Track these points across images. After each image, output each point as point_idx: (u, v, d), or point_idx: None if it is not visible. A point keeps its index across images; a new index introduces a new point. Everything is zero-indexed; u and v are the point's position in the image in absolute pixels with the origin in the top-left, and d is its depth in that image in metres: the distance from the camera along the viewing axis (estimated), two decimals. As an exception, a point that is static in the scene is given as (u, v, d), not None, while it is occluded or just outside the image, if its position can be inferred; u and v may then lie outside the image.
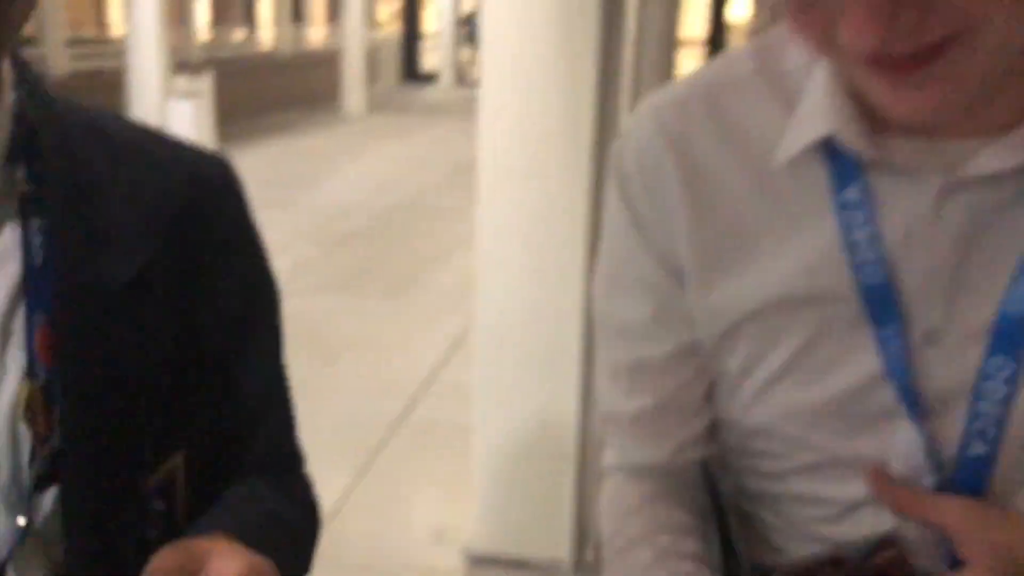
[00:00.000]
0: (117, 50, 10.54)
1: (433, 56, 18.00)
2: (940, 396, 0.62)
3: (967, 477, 0.62)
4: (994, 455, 0.61)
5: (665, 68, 2.17)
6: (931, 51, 0.49)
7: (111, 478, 0.61)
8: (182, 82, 7.92)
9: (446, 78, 16.81)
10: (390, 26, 20.54)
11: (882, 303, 0.61)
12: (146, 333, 0.63)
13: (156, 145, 0.68)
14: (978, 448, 0.61)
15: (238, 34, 14.96)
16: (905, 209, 0.60)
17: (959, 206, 0.59)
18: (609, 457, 0.80)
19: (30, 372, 0.58)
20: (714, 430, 0.74)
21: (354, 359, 4.06)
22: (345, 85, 13.38)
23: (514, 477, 2.62)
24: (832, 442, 0.65)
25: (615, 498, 0.78)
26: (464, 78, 16.63)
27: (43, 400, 0.58)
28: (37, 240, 0.59)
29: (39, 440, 0.58)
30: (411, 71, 18.35)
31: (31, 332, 0.58)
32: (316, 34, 17.26)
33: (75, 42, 9.75)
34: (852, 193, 0.60)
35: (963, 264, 0.60)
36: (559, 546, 2.56)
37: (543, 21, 2.43)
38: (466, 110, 14.15)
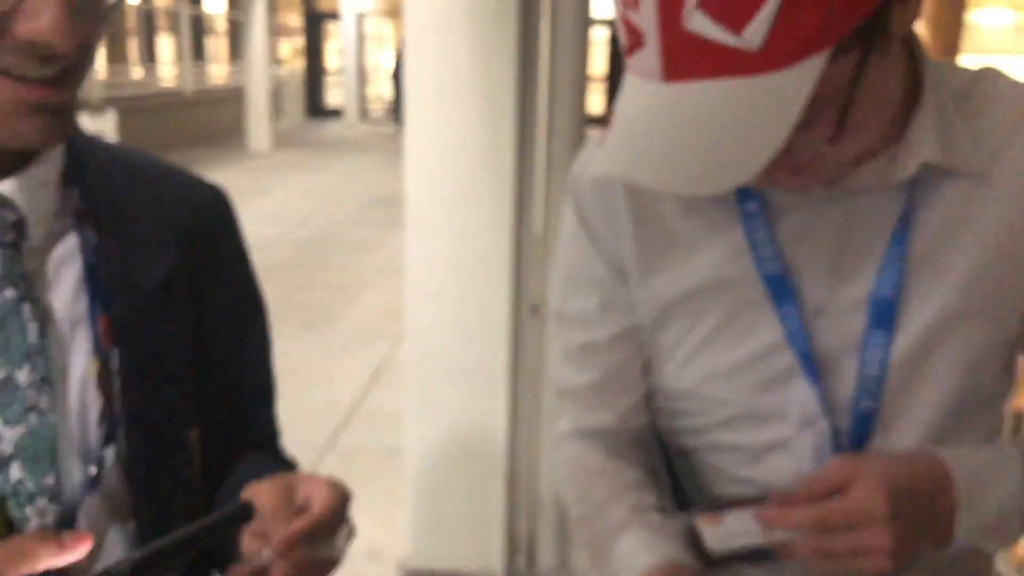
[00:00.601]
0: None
1: (337, 92, 18.06)
2: (830, 358, 0.78)
3: (859, 427, 0.79)
4: (878, 408, 0.78)
5: (578, 102, 2.36)
6: (796, 170, 0.69)
7: (160, 432, 0.74)
8: (85, 120, 7.78)
9: (351, 113, 16.89)
10: (292, 62, 20.50)
11: (779, 286, 0.78)
12: (175, 324, 0.76)
13: (168, 173, 0.81)
14: (866, 402, 0.78)
15: (137, 72, 14.72)
16: (794, 215, 0.78)
17: (836, 211, 0.76)
18: (564, 424, 0.96)
19: (96, 351, 0.70)
20: (650, 398, 0.90)
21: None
22: (250, 122, 13.30)
23: (445, 493, 2.73)
24: (744, 398, 0.82)
25: (578, 463, 0.93)
26: (368, 113, 16.74)
27: (106, 373, 0.71)
28: (91, 248, 0.72)
29: (106, 405, 0.70)
30: (315, 107, 18.36)
31: (95, 320, 0.71)
32: (219, 71, 17.10)
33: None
34: (751, 206, 0.78)
35: (841, 254, 0.77)
36: (491, 556, 2.68)
37: (464, 60, 2.58)
38: (372, 144, 14.24)
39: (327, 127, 16.81)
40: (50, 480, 0.67)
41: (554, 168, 2.79)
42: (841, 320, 0.77)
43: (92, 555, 0.63)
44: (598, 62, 13.51)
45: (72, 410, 0.69)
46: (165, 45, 15.91)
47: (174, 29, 14.47)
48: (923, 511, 0.73)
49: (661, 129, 0.62)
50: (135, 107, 10.77)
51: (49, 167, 0.70)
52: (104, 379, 0.70)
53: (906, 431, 0.78)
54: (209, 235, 0.81)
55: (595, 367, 0.90)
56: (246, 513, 0.62)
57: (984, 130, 0.75)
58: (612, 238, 0.84)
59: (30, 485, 0.66)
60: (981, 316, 0.76)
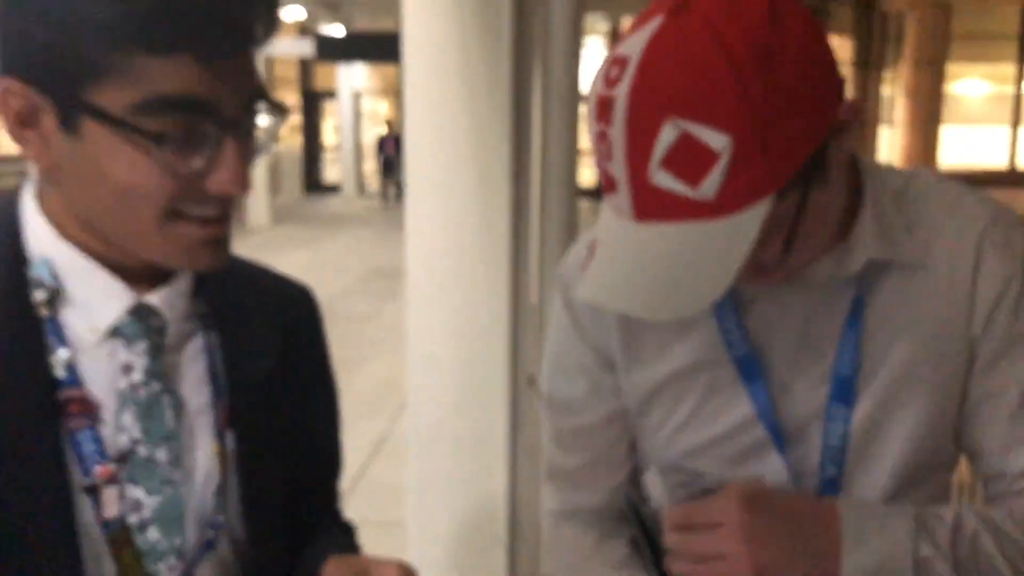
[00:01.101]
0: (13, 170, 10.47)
1: (334, 168, 18.37)
2: (796, 430, 0.87)
3: (824, 492, 0.87)
4: (841, 475, 0.86)
5: (569, 177, 2.48)
6: (760, 272, 0.78)
7: (263, 502, 0.85)
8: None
9: (348, 188, 17.14)
10: (290, 139, 20.88)
11: (748, 366, 0.87)
12: (279, 410, 0.87)
13: (264, 275, 0.93)
14: (830, 470, 0.86)
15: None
16: (760, 304, 0.87)
17: (797, 300, 0.86)
18: (552, 503, 1.03)
19: (217, 434, 0.82)
20: (635, 472, 0.98)
21: (279, 463, 4.13)
22: (249, 197, 13.49)
23: (448, 564, 2.76)
24: (721, 470, 0.90)
25: (569, 545, 1.00)
26: (365, 188, 16.99)
27: (223, 452, 0.82)
28: (213, 346, 0.83)
29: (222, 480, 0.81)
30: (313, 182, 18.65)
31: (216, 408, 0.82)
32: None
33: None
34: (723, 298, 0.85)
35: (802, 336, 0.86)
36: (494, 627, 2.71)
37: (461, 140, 2.71)
38: (368, 218, 14.41)
39: (325, 202, 17.06)
40: (178, 541, 0.78)
41: (547, 240, 2.90)
42: (805, 396, 0.86)
43: None
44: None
45: (197, 484, 0.80)
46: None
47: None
48: (799, 535, 0.80)
49: (633, 262, 0.73)
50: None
51: (186, 280, 0.81)
52: (222, 458, 0.81)
53: (865, 492, 0.87)
54: (303, 331, 0.93)
55: (584, 449, 0.98)
56: None
57: (918, 224, 0.85)
58: (599, 331, 0.93)
59: (163, 546, 0.77)
60: (927, 390, 0.85)
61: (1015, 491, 0.86)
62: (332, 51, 14.94)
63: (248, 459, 0.83)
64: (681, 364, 0.89)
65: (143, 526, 0.76)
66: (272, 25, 0.72)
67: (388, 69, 19.67)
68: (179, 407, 0.80)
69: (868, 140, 21.48)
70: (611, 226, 0.75)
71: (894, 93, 19.82)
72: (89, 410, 0.75)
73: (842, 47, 18.74)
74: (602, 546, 0.97)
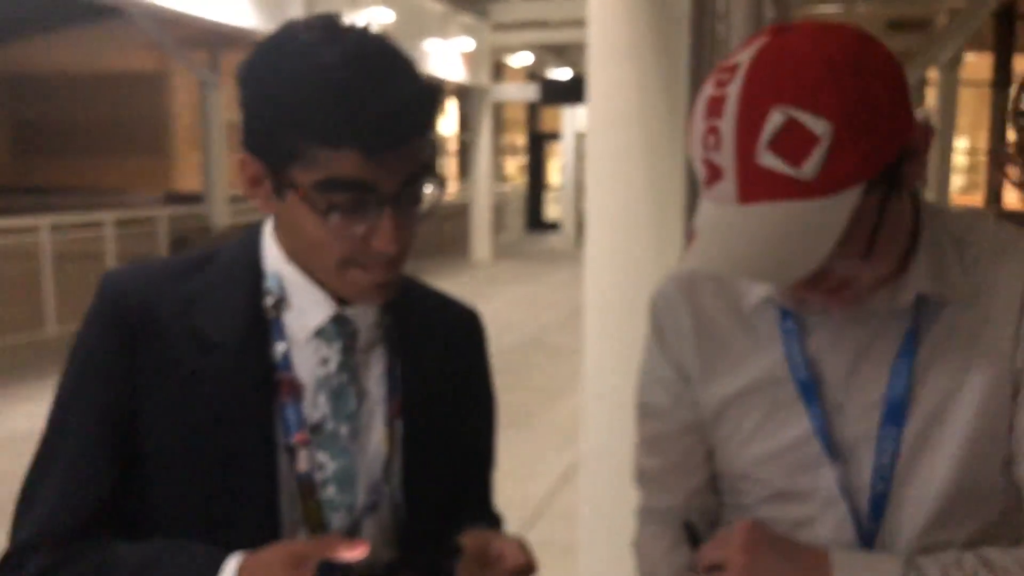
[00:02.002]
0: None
1: (556, 207, 18.87)
2: (848, 448, 0.94)
3: (875, 507, 0.94)
4: (890, 490, 0.93)
5: None
6: (833, 291, 0.88)
7: (421, 480, 1.01)
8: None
9: (568, 227, 17.54)
10: (517, 179, 21.70)
11: (808, 388, 0.95)
12: (443, 409, 1.04)
13: (437, 299, 1.10)
14: (880, 486, 0.93)
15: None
16: (821, 331, 0.95)
17: (854, 330, 0.94)
18: (640, 500, 1.13)
19: (388, 422, 0.99)
20: (714, 480, 1.07)
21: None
22: (474, 234, 14.24)
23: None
24: (781, 480, 0.98)
25: (651, 541, 1.11)
26: (584, 226, 17.29)
27: (392, 436, 0.99)
28: (392, 352, 1.01)
29: (388, 457, 0.99)
30: (535, 220, 19.26)
31: (390, 400, 1.00)
32: (449, 188, 18.48)
33: (234, 199, 10.93)
34: (789, 324, 0.96)
35: (857, 361, 0.93)
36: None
37: (638, 187, 2.83)
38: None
39: (545, 239, 17.55)
40: (349, 499, 0.97)
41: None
42: (858, 417, 0.94)
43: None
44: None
45: (369, 456, 0.98)
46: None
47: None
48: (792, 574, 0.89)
49: (737, 238, 0.81)
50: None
51: None
52: (390, 440, 0.99)
53: (914, 511, 0.93)
54: (466, 346, 1.11)
55: (664, 454, 1.08)
56: (457, 552, 0.88)
57: (973, 266, 0.91)
58: (679, 348, 1.04)
59: (338, 501, 0.96)
60: (974, 417, 0.90)
61: None
62: (555, 94, 15.47)
63: (412, 444, 1.00)
64: (750, 381, 0.99)
65: (324, 483, 0.95)
66: (429, 125, 0.89)
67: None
68: (362, 395, 0.98)
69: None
70: (712, 213, 0.84)
71: None
72: (295, 390, 0.95)
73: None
74: (671, 552, 1.07)
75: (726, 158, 0.80)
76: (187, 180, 16.74)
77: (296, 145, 0.85)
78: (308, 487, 0.94)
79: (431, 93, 0.88)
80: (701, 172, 0.84)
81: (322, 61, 0.83)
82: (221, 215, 10.02)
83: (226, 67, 10.43)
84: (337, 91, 0.83)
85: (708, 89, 0.83)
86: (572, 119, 18.08)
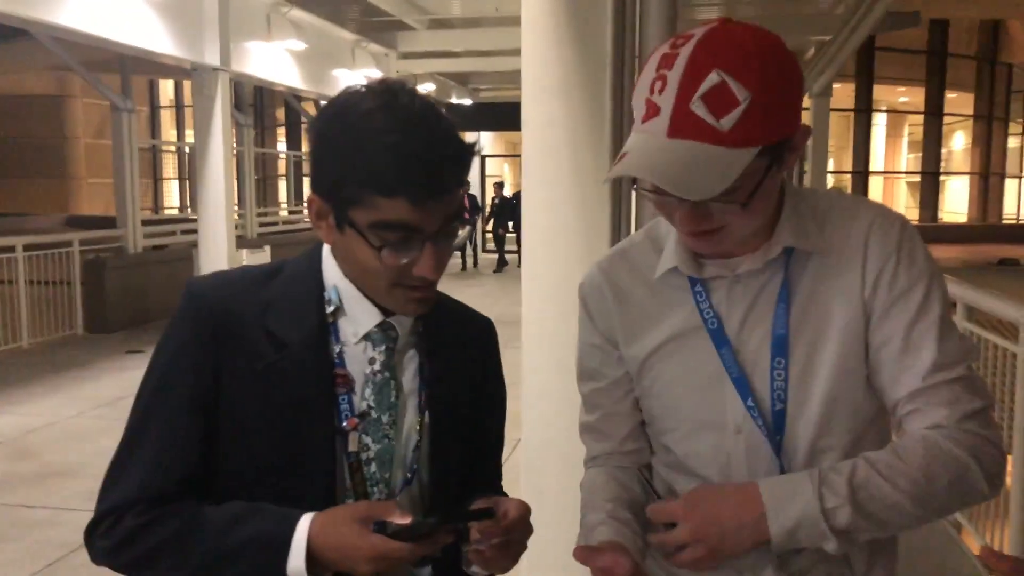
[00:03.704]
0: (181, 228, 11.58)
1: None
2: (752, 377, 1.13)
3: (776, 422, 1.13)
4: (786, 409, 1.13)
5: None
6: (711, 232, 1.08)
7: (446, 460, 1.17)
8: (245, 255, 8.88)
9: (470, 246, 17.73)
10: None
11: (717, 334, 1.15)
12: (463, 401, 1.19)
13: (461, 309, 1.26)
14: (778, 405, 1.13)
15: (284, 213, 16.02)
16: (719, 291, 1.16)
17: (742, 285, 1.14)
18: (586, 454, 1.32)
19: (419, 411, 1.15)
20: (642, 427, 1.27)
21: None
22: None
23: None
24: (701, 413, 1.18)
25: (587, 483, 1.28)
26: (486, 246, 17.63)
27: (422, 424, 1.15)
28: (423, 354, 1.16)
29: (419, 440, 1.14)
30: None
31: (420, 394, 1.15)
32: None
33: (147, 222, 10.84)
34: (697, 287, 1.17)
35: (748, 310, 1.14)
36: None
37: (568, 203, 3.14)
38: (489, 274, 14.88)
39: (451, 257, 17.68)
40: (387, 476, 1.12)
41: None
42: (754, 353, 1.14)
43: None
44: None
45: (403, 440, 1.13)
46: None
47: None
48: (729, 514, 1.06)
49: (660, 159, 1.01)
50: (284, 241, 12.07)
51: None
52: (422, 427, 1.14)
53: (805, 423, 1.13)
54: (484, 349, 1.27)
55: (600, 407, 1.28)
56: (490, 514, 1.04)
57: (825, 224, 1.14)
58: (605, 319, 1.24)
59: (378, 477, 1.11)
60: (840, 342, 1.12)
61: (905, 415, 1.10)
62: (459, 121, 15.74)
63: (436, 431, 1.15)
64: (666, 337, 1.19)
65: (368, 462, 1.11)
66: (464, 177, 1.05)
67: (510, 134, 20.44)
68: (399, 390, 1.13)
69: (994, 191, 20.76)
70: (642, 140, 1.03)
71: (1021, 145, 19.20)
72: (348, 383, 1.10)
73: (962, 101, 18.37)
74: (606, 485, 1.25)
75: (666, 101, 1.01)
76: (89, 204, 16.35)
77: (356, 193, 1.01)
78: (355, 464, 1.09)
79: (466, 152, 1.05)
80: (641, 110, 1.04)
81: (379, 126, 1.00)
82: (135, 238, 9.95)
83: (137, 91, 10.36)
84: (391, 151, 0.99)
85: (664, 48, 1.04)
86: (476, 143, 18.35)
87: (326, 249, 1.14)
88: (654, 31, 2.75)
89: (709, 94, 0.99)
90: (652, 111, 1.03)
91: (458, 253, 15.76)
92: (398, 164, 0.98)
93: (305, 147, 22.55)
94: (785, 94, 1.03)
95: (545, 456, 3.11)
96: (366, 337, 1.12)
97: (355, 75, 12.48)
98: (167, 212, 21.84)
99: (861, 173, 21.25)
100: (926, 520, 1.09)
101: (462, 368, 1.20)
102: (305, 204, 1.15)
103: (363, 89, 1.05)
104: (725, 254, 1.14)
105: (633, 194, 2.97)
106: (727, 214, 1.06)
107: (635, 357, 1.23)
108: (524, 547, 1.10)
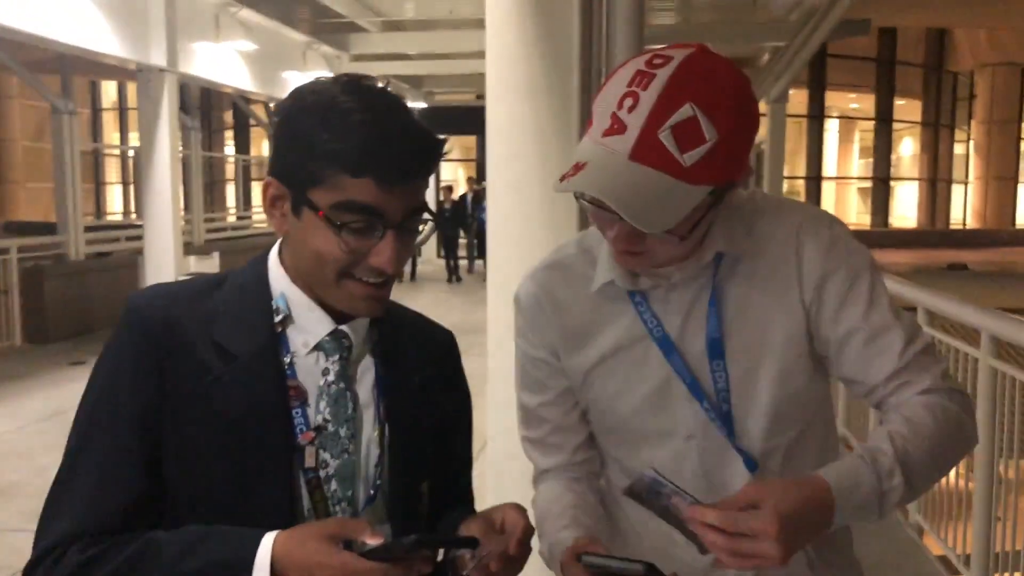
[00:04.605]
0: (126, 235, 11.30)
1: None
2: (698, 380, 1.14)
3: (726, 423, 1.14)
4: (731, 409, 1.15)
5: None
6: (639, 253, 1.08)
7: (407, 475, 1.11)
8: (192, 262, 8.64)
9: (428, 250, 17.65)
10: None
11: (665, 341, 1.15)
12: (423, 414, 1.14)
13: (419, 320, 1.22)
14: (724, 407, 1.15)
15: (231, 217, 15.79)
16: (657, 300, 1.16)
17: (678, 292, 1.14)
18: (535, 469, 1.30)
19: (378, 423, 1.09)
20: (592, 439, 1.26)
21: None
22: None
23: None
24: (651, 422, 1.18)
25: (542, 497, 1.26)
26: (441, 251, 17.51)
27: (382, 436, 1.09)
28: (379, 363, 1.11)
29: (380, 455, 1.08)
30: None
31: (378, 405, 1.10)
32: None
33: (89, 228, 10.52)
34: (637, 297, 1.16)
35: (686, 316, 1.15)
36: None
37: (537, 209, 3.06)
38: (441, 279, 14.80)
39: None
40: (350, 493, 1.06)
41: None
42: (696, 358, 1.15)
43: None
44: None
45: (363, 455, 1.08)
46: (258, 192, 17.07)
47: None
48: (809, 521, 1.00)
49: (619, 181, 1.00)
50: (233, 248, 11.77)
51: (366, 317, 1.11)
52: (381, 440, 1.09)
53: (753, 422, 1.15)
54: (444, 362, 1.22)
55: (547, 421, 1.26)
56: (474, 543, 0.98)
57: (753, 227, 1.15)
58: (545, 331, 1.23)
59: (340, 495, 1.06)
60: (781, 343, 1.14)
61: (889, 393, 1.13)
62: (414, 122, 15.67)
63: (397, 444, 1.10)
64: (607, 348, 1.19)
65: (328, 479, 1.05)
66: (432, 167, 1.03)
67: (464, 139, 20.39)
68: (356, 401, 1.08)
69: (941, 196, 21.37)
70: (601, 155, 1.01)
71: (967, 152, 19.69)
72: (301, 395, 1.05)
73: (911, 108, 18.83)
74: (563, 496, 1.23)
75: (635, 121, 1.00)
76: (26, 209, 15.87)
77: (321, 171, 0.98)
78: (314, 481, 1.04)
79: (438, 143, 1.03)
80: (604, 121, 1.02)
81: (350, 106, 0.98)
82: (76, 245, 9.62)
83: (78, 92, 10.07)
84: (362, 130, 0.97)
85: (638, 64, 1.03)
86: (429, 146, 18.22)
87: (273, 257, 1.10)
88: (621, 33, 2.69)
89: (679, 127, 1.00)
90: (617, 127, 1.02)
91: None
92: (369, 143, 0.97)
93: (254, 151, 22.24)
94: (746, 138, 1.05)
95: (511, 466, 3.02)
96: (318, 347, 1.07)
97: (306, 77, 11.97)
98: (110, 218, 21.38)
99: (814, 178, 21.64)
100: (939, 479, 1.16)
101: (422, 380, 1.15)
102: (261, 189, 1.06)
103: (332, 78, 1.03)
104: (660, 265, 1.14)
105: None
106: (662, 243, 1.06)
107: (577, 369, 1.22)
108: (529, 551, 1.05)
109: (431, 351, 1.20)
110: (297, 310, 1.07)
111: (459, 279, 14.95)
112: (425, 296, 12.68)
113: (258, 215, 15.32)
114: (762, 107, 12.96)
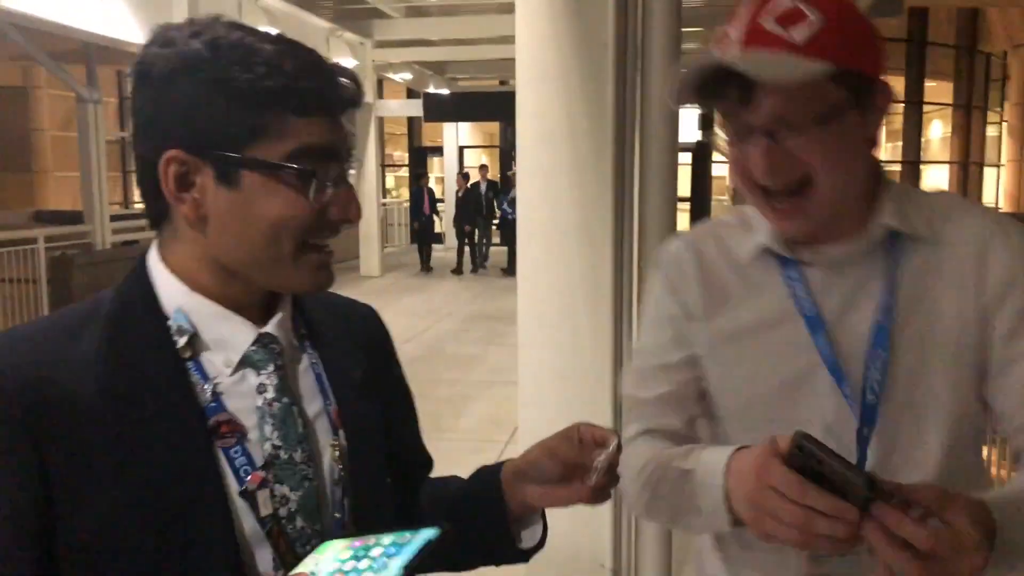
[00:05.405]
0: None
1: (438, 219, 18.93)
2: (848, 367, 1.07)
3: (867, 417, 1.06)
4: (878, 403, 1.06)
5: (667, 227, 2.69)
6: (790, 195, 1.03)
7: (371, 482, 0.97)
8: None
9: (450, 238, 17.61)
10: (399, 191, 21.66)
11: (815, 321, 1.09)
12: (373, 408, 1.01)
13: (340, 301, 1.08)
14: (870, 398, 1.06)
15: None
16: (816, 276, 1.10)
17: (840, 272, 1.09)
18: (631, 430, 1.19)
19: (334, 434, 0.94)
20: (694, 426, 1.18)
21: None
22: (363, 249, 14.14)
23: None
24: (785, 410, 1.10)
25: (649, 448, 1.15)
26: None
27: (340, 448, 0.94)
28: (316, 362, 0.96)
29: (341, 470, 0.93)
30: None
31: (328, 411, 0.95)
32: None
33: (116, 217, 10.55)
34: (791, 272, 1.11)
35: (849, 299, 1.09)
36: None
37: (566, 201, 2.99)
38: (467, 266, 14.74)
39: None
40: (319, 527, 0.90)
41: (646, 285, 3.10)
42: (852, 344, 1.08)
43: None
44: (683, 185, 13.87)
45: (326, 476, 0.92)
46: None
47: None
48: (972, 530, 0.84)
49: (737, 60, 1.00)
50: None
51: (286, 309, 0.94)
52: (340, 451, 0.94)
53: (908, 422, 1.06)
54: (378, 342, 1.10)
55: (667, 383, 1.19)
56: (449, 536, 0.81)
57: (930, 211, 1.10)
58: (685, 290, 1.18)
59: (308, 531, 0.89)
60: (953, 349, 1.05)
61: None
62: (438, 111, 15.61)
63: (357, 452, 0.95)
64: (747, 323, 1.13)
65: (291, 517, 0.88)
66: (363, 95, 0.91)
67: (488, 125, 20.27)
68: (304, 415, 0.91)
69: (973, 180, 20.98)
70: (715, 55, 1.04)
71: (999, 134, 19.33)
72: (236, 429, 0.86)
73: (942, 90, 18.46)
74: (664, 449, 1.13)
75: (738, 25, 1.03)
76: (56, 198, 15.98)
77: (262, 120, 0.83)
78: (275, 529, 0.87)
79: (348, 68, 0.92)
80: (718, 49, 1.05)
81: (262, 44, 0.84)
82: (103, 234, 9.65)
83: (105, 81, 10.09)
84: (295, 65, 0.84)
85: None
86: (455, 134, 18.22)
87: (156, 266, 0.89)
88: (657, 15, 2.59)
89: (783, 15, 1.01)
90: (724, 43, 1.04)
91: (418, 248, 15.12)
92: (305, 76, 0.84)
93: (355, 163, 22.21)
94: (858, 25, 1.04)
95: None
96: (244, 362, 0.89)
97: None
98: (138, 207, 21.48)
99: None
100: None
101: (360, 365, 1.01)
102: (160, 168, 0.84)
103: (187, 32, 0.84)
104: (811, 236, 1.09)
105: (636, 186, 2.82)
106: (807, 153, 1.01)
107: (709, 337, 1.16)
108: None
109: (361, 331, 1.07)
110: (205, 324, 0.88)
111: (462, 269, 14.55)
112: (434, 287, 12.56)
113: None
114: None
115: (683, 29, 2.68)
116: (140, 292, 0.88)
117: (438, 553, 0.79)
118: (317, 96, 0.85)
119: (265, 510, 0.86)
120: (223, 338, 0.88)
